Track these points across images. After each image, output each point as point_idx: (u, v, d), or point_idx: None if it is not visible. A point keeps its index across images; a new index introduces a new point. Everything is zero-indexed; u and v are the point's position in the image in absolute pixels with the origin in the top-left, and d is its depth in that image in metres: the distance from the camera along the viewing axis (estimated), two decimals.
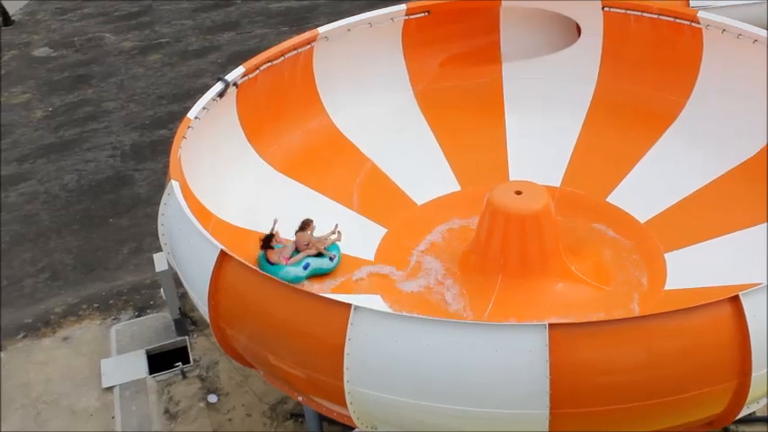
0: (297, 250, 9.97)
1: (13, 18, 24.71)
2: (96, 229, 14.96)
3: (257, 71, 11.11)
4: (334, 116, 12.03)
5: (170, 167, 9.29)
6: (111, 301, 13.22)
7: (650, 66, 11.96)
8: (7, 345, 12.52)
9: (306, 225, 10.06)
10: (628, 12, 11.95)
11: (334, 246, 10.16)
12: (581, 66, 12.35)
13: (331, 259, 10.02)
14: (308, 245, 9.97)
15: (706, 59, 11.45)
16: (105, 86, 20.11)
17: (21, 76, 21.12)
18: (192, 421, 11.07)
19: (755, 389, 7.07)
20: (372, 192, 11.38)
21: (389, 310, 9.18)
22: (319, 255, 9.98)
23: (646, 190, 11.00)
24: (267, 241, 9.75)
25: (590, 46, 12.33)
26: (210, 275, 7.98)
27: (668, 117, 11.68)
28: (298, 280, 9.75)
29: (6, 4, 24.62)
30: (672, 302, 9.30)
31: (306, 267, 9.87)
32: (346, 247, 10.38)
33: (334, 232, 10.17)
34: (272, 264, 9.72)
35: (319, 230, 10.19)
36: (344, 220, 10.89)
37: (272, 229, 9.83)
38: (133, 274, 13.74)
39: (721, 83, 11.31)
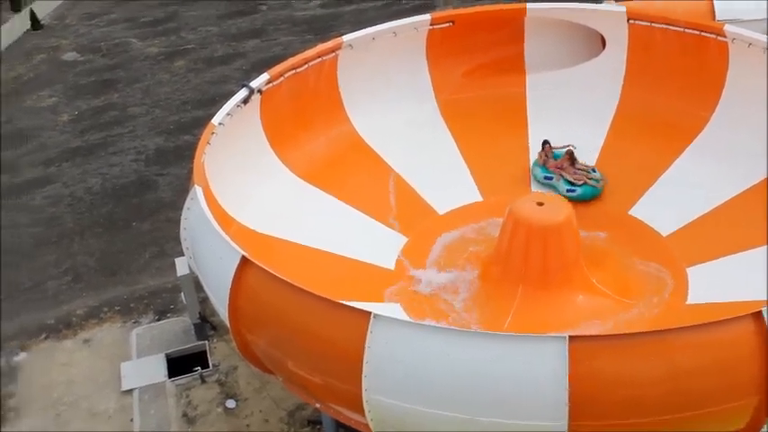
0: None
1: (41, 22, 24.98)
2: (119, 233, 15.06)
3: (281, 78, 11.17)
4: (358, 124, 12.05)
5: (193, 173, 9.36)
6: (132, 305, 13.29)
7: (675, 79, 11.91)
8: (30, 345, 12.63)
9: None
10: (653, 24, 11.91)
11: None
12: (605, 78, 12.31)
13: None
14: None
15: (731, 73, 11.38)
16: (131, 91, 20.27)
17: (48, 80, 21.34)
18: (209, 425, 11.11)
19: None
20: (394, 200, 11.39)
21: (409, 319, 9.17)
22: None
23: (669, 203, 10.92)
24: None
25: (615, 58, 12.30)
26: (231, 281, 8.02)
27: (692, 130, 11.61)
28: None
29: (35, 9, 24.90)
30: (694, 317, 9.23)
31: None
32: (367, 256, 10.39)
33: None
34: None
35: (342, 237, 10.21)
36: (365, 228, 10.91)
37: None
38: (154, 278, 13.81)
39: (747, 97, 11.21)
